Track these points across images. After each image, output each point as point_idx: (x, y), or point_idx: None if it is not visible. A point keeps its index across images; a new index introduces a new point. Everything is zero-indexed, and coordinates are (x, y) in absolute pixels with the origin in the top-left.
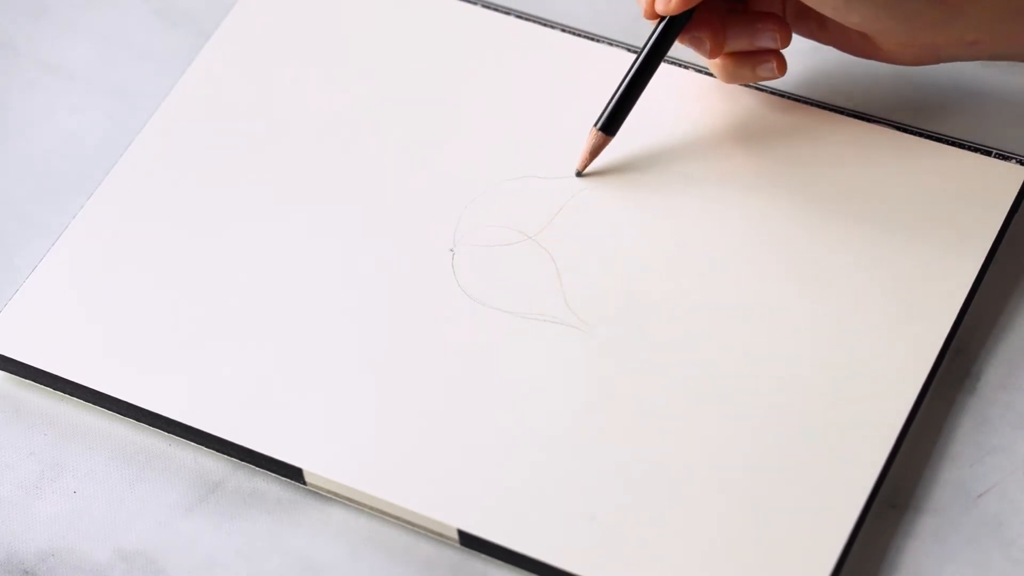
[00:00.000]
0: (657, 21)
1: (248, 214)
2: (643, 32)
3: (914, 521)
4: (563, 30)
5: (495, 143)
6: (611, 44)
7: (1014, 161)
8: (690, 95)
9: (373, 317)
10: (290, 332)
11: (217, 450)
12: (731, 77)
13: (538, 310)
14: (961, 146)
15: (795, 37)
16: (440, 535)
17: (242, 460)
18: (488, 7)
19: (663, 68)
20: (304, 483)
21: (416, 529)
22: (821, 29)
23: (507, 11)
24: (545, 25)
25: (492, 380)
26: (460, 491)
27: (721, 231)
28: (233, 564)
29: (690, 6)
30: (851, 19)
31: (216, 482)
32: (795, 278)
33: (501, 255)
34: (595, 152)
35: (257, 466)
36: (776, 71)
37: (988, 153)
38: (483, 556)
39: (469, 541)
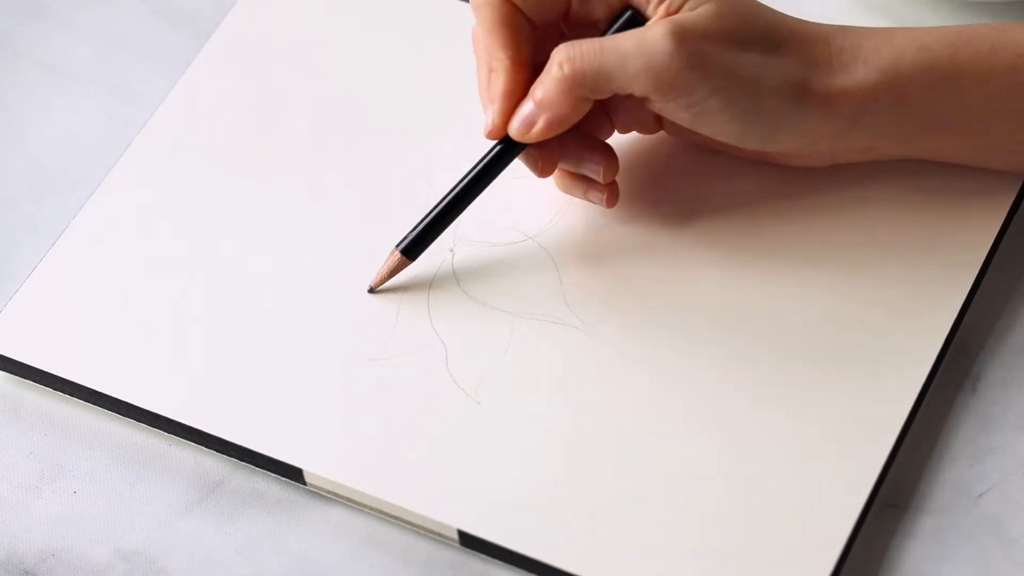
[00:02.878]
0: (495, 143)
1: (248, 213)
2: None
3: (914, 521)
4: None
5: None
6: None
7: None
8: None
9: (373, 317)
10: (290, 332)
11: (217, 450)
12: (565, 188)
13: (538, 310)
14: None
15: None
16: (440, 535)
17: (242, 460)
18: None
19: None
20: (304, 483)
21: (416, 529)
22: (711, 142)
23: None
24: None
25: (492, 380)
26: (460, 491)
27: (720, 230)
28: (233, 564)
29: (551, 136)
30: (748, 144)
31: (216, 482)
32: (795, 276)
33: (501, 255)
34: (393, 273)
35: (257, 466)
36: (604, 203)
37: None
38: (483, 556)
39: (469, 541)
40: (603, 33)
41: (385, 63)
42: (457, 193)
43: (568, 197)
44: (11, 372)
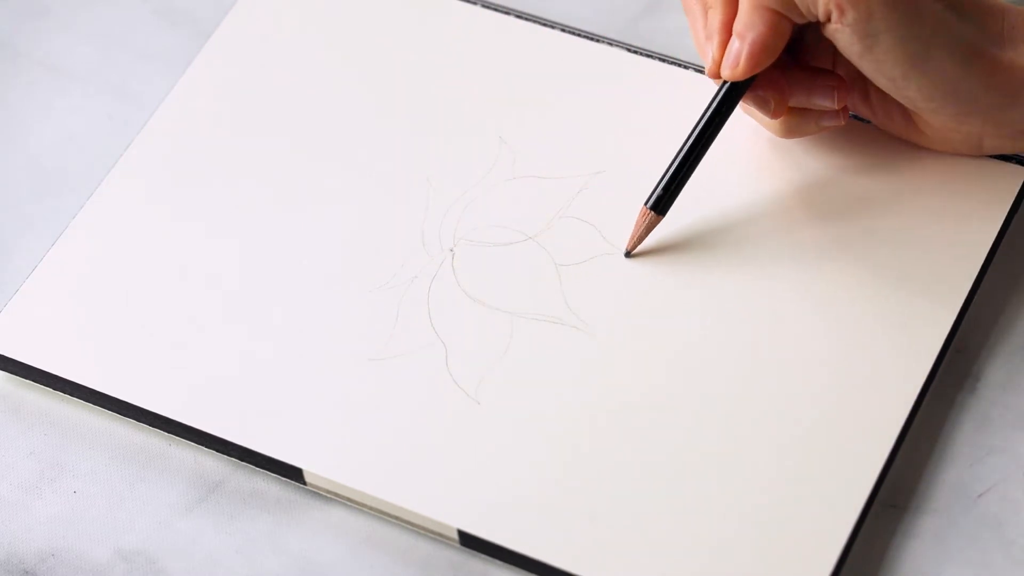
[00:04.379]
0: (720, 85)
1: (248, 213)
2: (643, 31)
3: (914, 521)
4: (563, 30)
5: (495, 143)
6: (611, 44)
7: (1014, 161)
8: (694, 97)
9: (373, 317)
10: (290, 332)
11: (217, 450)
12: (793, 132)
13: (538, 310)
14: None
15: None
16: (440, 535)
17: (242, 460)
18: (488, 7)
19: (676, 72)
20: (304, 483)
21: (416, 529)
22: (864, 101)
23: (507, 11)
24: (545, 25)
25: (492, 380)
26: (460, 491)
27: (722, 233)
28: (233, 564)
29: (759, 69)
30: (907, 93)
31: (216, 482)
32: (795, 276)
33: (501, 255)
34: (648, 231)
35: (257, 466)
36: (841, 122)
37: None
38: (483, 556)
39: (469, 541)
40: None
41: (385, 63)
42: (693, 141)
43: (566, 196)
44: (11, 372)
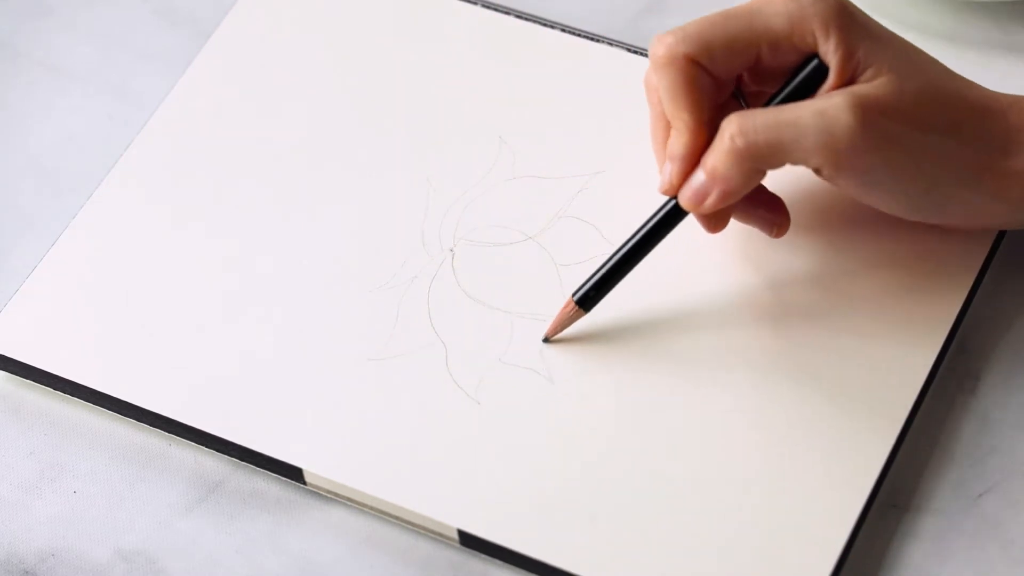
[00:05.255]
0: (668, 201)
1: (248, 213)
2: (643, 31)
3: (914, 521)
4: (563, 30)
5: (494, 142)
6: (611, 44)
7: None
8: None
9: (373, 317)
10: (290, 332)
11: (217, 450)
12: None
13: (538, 310)
14: None
15: None
16: (440, 535)
17: (242, 460)
18: (488, 7)
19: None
20: (304, 483)
21: (416, 529)
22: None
23: (507, 11)
24: (545, 25)
25: (492, 380)
26: (460, 491)
27: (722, 233)
28: (233, 564)
29: (726, 205)
30: (914, 218)
31: (216, 482)
32: (796, 278)
33: (501, 255)
34: (567, 324)
35: (257, 466)
36: (773, 234)
37: None
38: (483, 556)
39: (469, 541)
40: (785, 79)
41: (385, 63)
42: (632, 246)
43: (566, 196)
44: (11, 372)
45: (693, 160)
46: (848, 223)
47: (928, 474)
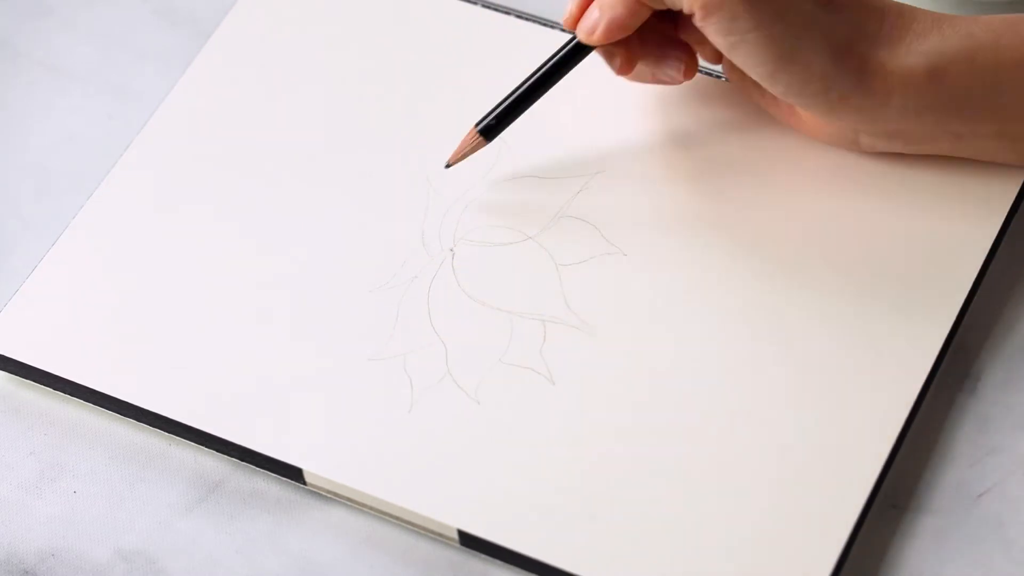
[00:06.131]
0: (571, 37)
1: (248, 213)
2: None
3: (914, 521)
4: (563, 30)
5: (495, 143)
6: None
7: None
8: (694, 96)
9: (373, 317)
10: (290, 332)
11: (217, 450)
12: (633, 78)
13: (538, 310)
14: None
15: None
16: (440, 535)
17: (242, 460)
18: (488, 7)
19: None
20: (304, 483)
21: (416, 529)
22: (754, 87)
23: (507, 11)
24: (545, 25)
25: (492, 380)
26: (460, 491)
27: (721, 230)
28: (233, 564)
29: (613, 40)
30: (776, 89)
31: (216, 482)
32: (794, 277)
33: (501, 255)
34: (469, 152)
35: (257, 466)
36: (677, 79)
37: None
38: (483, 556)
39: (469, 541)
40: None
41: (385, 62)
42: (536, 80)
43: (566, 196)
44: (11, 372)
45: None
46: (848, 223)
47: (928, 474)
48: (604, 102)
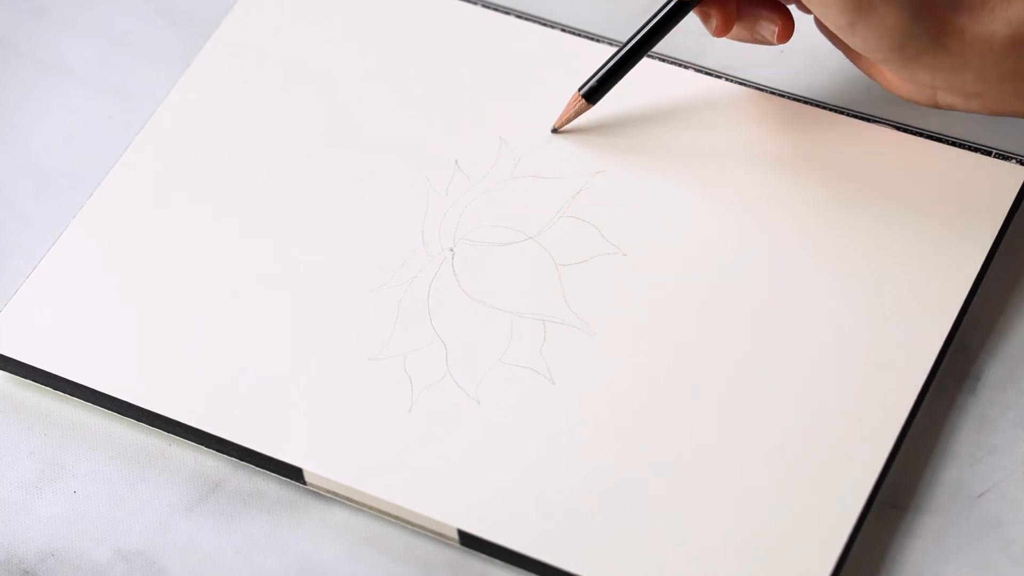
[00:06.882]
0: None
1: (248, 214)
2: None
3: (914, 521)
4: (563, 30)
5: (495, 143)
6: (611, 44)
7: (1014, 161)
8: (694, 96)
9: (373, 317)
10: (290, 332)
11: (217, 450)
12: (735, 36)
13: (538, 310)
14: (961, 146)
15: (795, 35)
16: (440, 535)
17: (242, 460)
18: (488, 7)
19: (675, 72)
20: (304, 483)
21: (416, 529)
22: (833, 35)
23: (507, 11)
24: (545, 25)
25: (492, 380)
26: (460, 491)
27: (721, 233)
28: (233, 564)
29: None
30: (854, 41)
31: (216, 482)
32: (795, 280)
33: (501, 255)
34: (575, 115)
35: (257, 466)
36: (776, 38)
37: (988, 153)
38: (483, 556)
39: (469, 541)
40: None
41: (385, 62)
42: (638, 40)
43: (566, 196)
44: (11, 372)
45: None
46: (848, 223)
47: (928, 474)
48: (604, 102)
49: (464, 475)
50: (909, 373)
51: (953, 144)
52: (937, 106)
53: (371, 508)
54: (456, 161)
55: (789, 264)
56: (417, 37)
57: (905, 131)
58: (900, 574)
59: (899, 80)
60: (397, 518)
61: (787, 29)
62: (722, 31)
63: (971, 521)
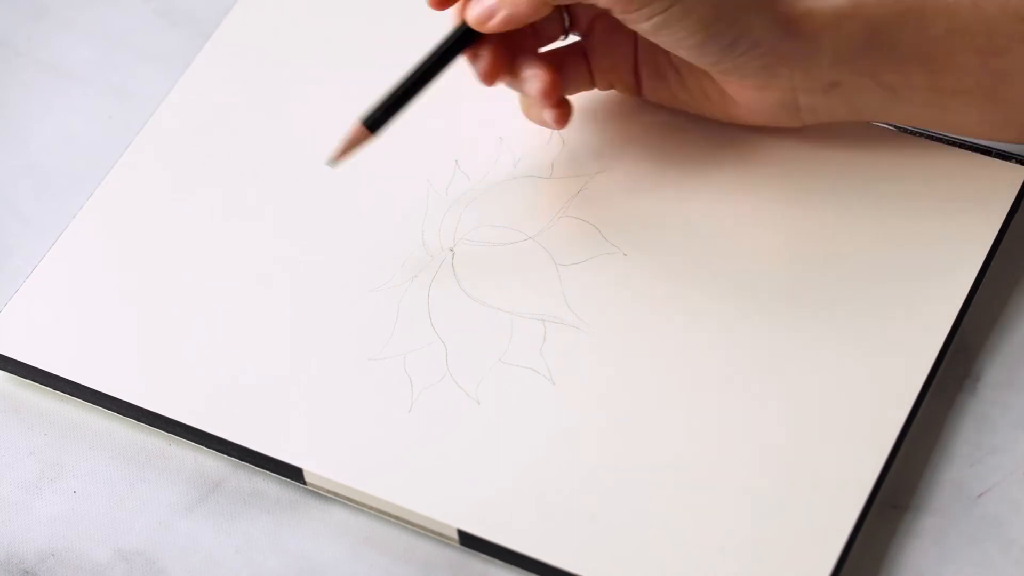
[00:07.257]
0: (458, 26)
1: (248, 214)
2: None
3: (914, 521)
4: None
5: (495, 143)
6: None
7: (1014, 161)
8: None
9: (373, 317)
10: (290, 332)
11: (217, 450)
12: (525, 111)
13: (538, 310)
14: (961, 146)
15: None
16: (440, 535)
17: (242, 460)
18: None
19: None
20: (304, 483)
21: (416, 529)
22: (682, 88)
23: None
24: None
25: (492, 380)
26: (460, 491)
27: (721, 230)
28: (233, 564)
29: (506, 29)
30: (707, 58)
31: (216, 482)
32: (795, 278)
33: (501, 255)
34: (352, 146)
35: (257, 466)
36: (553, 123)
37: (988, 153)
38: (483, 556)
39: (469, 541)
40: None
41: (385, 63)
42: (422, 72)
43: (566, 196)
44: (11, 372)
45: None
46: (848, 223)
47: (928, 474)
48: (605, 102)
49: (464, 475)
50: (909, 373)
51: (953, 144)
52: (800, 118)
53: (371, 508)
54: (456, 161)
55: (789, 264)
56: (416, 37)
57: (905, 131)
58: (900, 574)
59: (756, 101)
60: (397, 518)
61: (552, 84)
62: (489, 77)
63: (971, 521)
